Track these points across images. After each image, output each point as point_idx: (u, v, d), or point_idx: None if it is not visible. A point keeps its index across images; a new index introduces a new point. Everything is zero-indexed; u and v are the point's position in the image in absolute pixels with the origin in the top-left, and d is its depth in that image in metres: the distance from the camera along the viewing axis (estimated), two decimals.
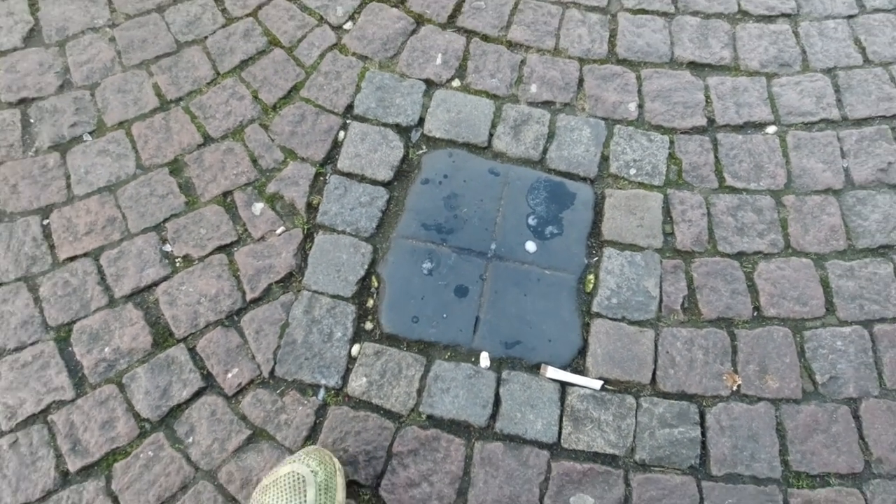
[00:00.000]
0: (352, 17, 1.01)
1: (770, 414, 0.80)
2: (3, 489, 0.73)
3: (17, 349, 0.80)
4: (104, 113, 0.93)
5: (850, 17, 1.03)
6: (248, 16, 1.00)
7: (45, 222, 0.86)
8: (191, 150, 0.91)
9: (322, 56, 0.98)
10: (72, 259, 0.84)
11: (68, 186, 0.88)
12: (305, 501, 0.64)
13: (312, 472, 0.66)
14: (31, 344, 0.80)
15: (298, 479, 0.65)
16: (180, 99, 0.94)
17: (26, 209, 0.87)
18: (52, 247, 0.85)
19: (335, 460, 0.70)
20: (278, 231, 0.87)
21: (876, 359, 0.83)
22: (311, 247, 0.86)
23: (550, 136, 0.93)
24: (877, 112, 0.95)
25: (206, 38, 0.99)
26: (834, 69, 0.98)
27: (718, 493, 0.76)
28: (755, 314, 0.85)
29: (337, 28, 1.00)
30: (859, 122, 0.95)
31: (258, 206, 0.88)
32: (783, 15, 1.03)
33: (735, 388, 0.81)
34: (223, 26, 0.99)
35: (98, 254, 0.85)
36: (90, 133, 0.92)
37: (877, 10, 1.03)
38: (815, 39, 1.00)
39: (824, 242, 0.88)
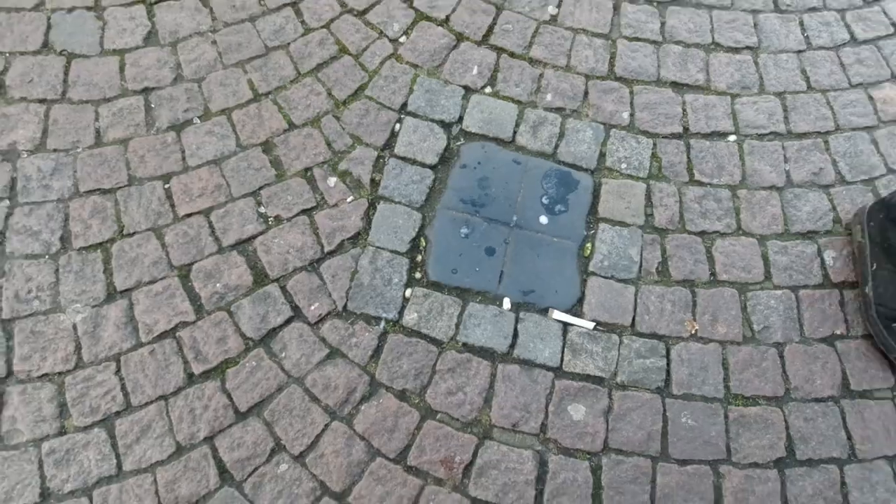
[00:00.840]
0: (406, 33, 1.26)
1: (718, 352, 1.07)
2: (145, 385, 0.98)
3: (151, 282, 1.04)
4: (209, 101, 1.17)
5: (800, 51, 1.29)
6: (322, 27, 1.24)
7: (167, 186, 1.10)
8: (279, 134, 1.15)
9: (382, 63, 1.22)
10: (189, 216, 1.08)
11: (184, 159, 1.12)
12: None
13: None
14: (162, 279, 1.04)
15: None
16: (269, 93, 1.18)
17: (152, 175, 1.10)
18: (172, 205, 1.09)
19: None
20: (348, 200, 1.12)
21: (798, 315, 1.10)
22: (374, 213, 1.11)
23: (561, 135, 1.19)
24: (814, 128, 1.22)
25: (289, 44, 1.23)
26: (783, 93, 1.25)
27: (677, 407, 1.03)
28: (711, 278, 1.11)
29: (394, 41, 1.25)
30: (800, 136, 1.22)
31: (332, 180, 1.13)
32: (747, 47, 1.29)
33: (693, 332, 1.08)
34: (302, 35, 1.23)
35: (209, 212, 1.09)
36: (199, 117, 1.15)
37: (820, 48, 1.29)
38: (771, 68, 1.27)
39: (767, 226, 1.15)
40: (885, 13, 1.34)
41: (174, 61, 1.19)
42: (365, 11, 1.27)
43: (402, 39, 1.25)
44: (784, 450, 1.01)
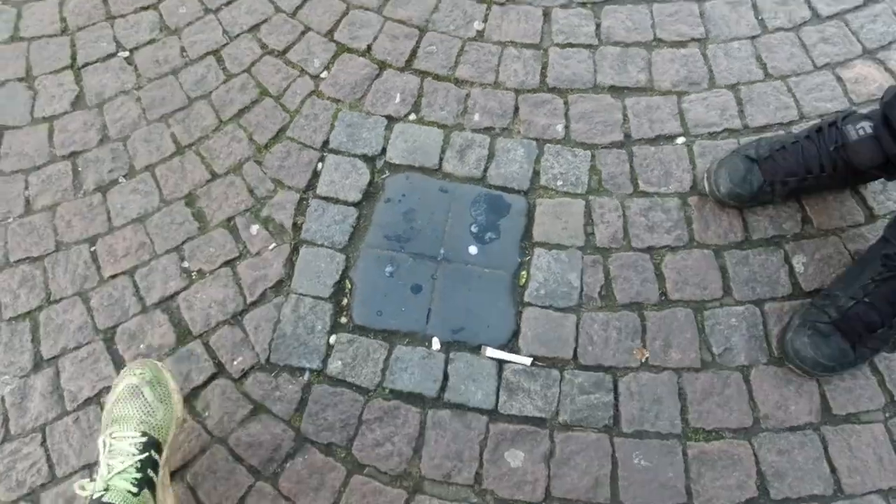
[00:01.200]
0: (327, 67, 1.22)
1: (673, 381, 0.96)
2: (69, 455, 0.97)
3: (76, 348, 1.03)
4: (134, 159, 1.17)
5: (754, 37, 1.17)
6: (243, 72, 1.23)
7: (93, 249, 1.10)
8: (201, 185, 1.14)
9: (303, 101, 1.19)
10: (113, 277, 1.08)
11: (109, 220, 1.12)
12: (146, 400, 0.82)
13: (140, 375, 0.84)
14: (87, 344, 1.03)
15: (134, 388, 0.82)
16: (192, 144, 1.17)
17: (78, 239, 1.11)
18: (98, 268, 1.09)
19: (152, 361, 0.88)
20: (271, 247, 1.08)
21: (766, 332, 0.98)
22: (297, 258, 1.07)
23: (490, 156, 1.12)
24: (774, 120, 1.10)
25: (210, 92, 1.21)
26: (737, 85, 1.13)
27: (628, 446, 0.93)
28: (662, 298, 1.01)
29: (315, 77, 1.21)
30: (759, 130, 1.10)
31: (255, 228, 1.10)
32: (693, 39, 1.18)
33: (644, 360, 0.98)
34: (224, 82, 1.22)
35: (133, 271, 1.08)
36: (124, 176, 1.15)
37: (778, 30, 1.17)
38: (721, 59, 1.16)
39: (723, 236, 1.03)
40: None
41: (100, 123, 1.20)
42: (285, 51, 1.24)
43: (324, 75, 1.22)
44: (755, 489, 0.90)
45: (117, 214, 1.12)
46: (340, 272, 1.06)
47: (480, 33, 1.23)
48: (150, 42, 1.27)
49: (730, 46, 1.17)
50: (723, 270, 1.01)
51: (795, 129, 1.07)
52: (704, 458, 0.91)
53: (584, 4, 1.23)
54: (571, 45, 1.20)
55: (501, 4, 1.25)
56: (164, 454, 0.83)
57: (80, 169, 1.16)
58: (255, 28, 1.27)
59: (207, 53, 1.25)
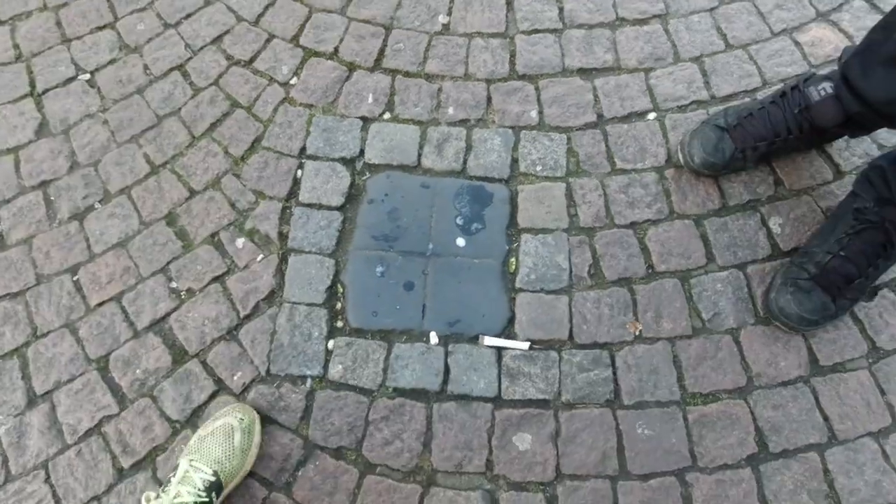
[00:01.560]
0: (296, 73, 1.21)
1: (667, 350, 0.99)
2: (76, 488, 0.95)
3: (70, 380, 1.01)
4: (108, 183, 1.14)
5: (712, 9, 1.20)
6: (211, 85, 1.21)
7: (75, 278, 1.08)
8: (181, 203, 1.12)
9: (275, 110, 1.18)
10: (100, 304, 1.06)
11: (89, 247, 1.10)
12: (233, 444, 0.89)
13: (240, 420, 0.91)
14: (80, 375, 1.02)
15: (230, 429, 0.90)
16: (166, 163, 1.15)
17: (59, 270, 1.09)
18: (83, 297, 1.07)
19: (254, 411, 0.95)
20: (259, 259, 1.08)
21: (750, 294, 1.01)
22: (286, 267, 1.07)
23: (468, 148, 1.13)
24: (739, 88, 1.13)
25: (180, 109, 1.19)
26: (700, 57, 1.16)
27: (630, 418, 0.96)
28: (649, 271, 1.03)
29: (284, 84, 1.20)
30: (725, 99, 1.13)
31: (240, 241, 1.09)
32: (654, 16, 1.20)
33: (637, 333, 1.00)
34: (192, 97, 1.20)
35: (120, 297, 1.06)
36: (99, 201, 1.13)
37: (735, 0, 1.20)
38: (683, 33, 1.18)
39: (701, 204, 1.06)
40: None
41: (68, 149, 1.17)
42: (252, 60, 1.23)
43: (294, 81, 1.21)
44: (755, 445, 0.93)
45: (97, 241, 1.10)
46: (331, 277, 1.06)
47: (446, 27, 1.23)
48: (111, 62, 1.24)
49: (690, 20, 1.19)
50: (704, 238, 1.04)
51: (760, 96, 1.11)
52: (704, 421, 0.95)
53: None
54: (537, 31, 1.21)
55: None
56: (219, 501, 0.88)
57: (52, 198, 1.14)
58: (218, 39, 1.25)
59: (172, 69, 1.23)
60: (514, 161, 1.11)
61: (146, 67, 1.23)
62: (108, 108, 1.20)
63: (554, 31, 1.21)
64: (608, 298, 1.02)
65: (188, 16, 1.28)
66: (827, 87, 0.94)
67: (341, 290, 1.05)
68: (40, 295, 1.07)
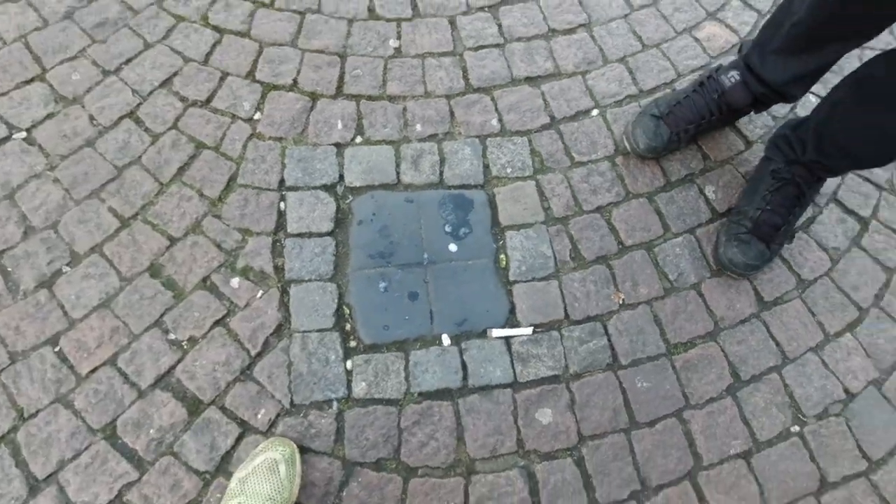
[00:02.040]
0: (258, 108, 1.22)
1: (648, 312, 1.13)
2: None
3: (75, 456, 0.95)
4: (73, 244, 1.08)
5: (626, 15, 1.39)
6: (170, 129, 1.18)
7: (57, 349, 1.01)
8: (162, 253, 1.09)
9: (245, 146, 1.18)
10: (93, 371, 1.00)
11: (66, 314, 1.03)
12: (280, 477, 0.90)
13: (282, 452, 0.92)
14: (86, 449, 0.95)
15: (273, 463, 0.90)
16: (136, 214, 1.11)
17: (35, 344, 1.01)
18: (71, 367, 1.00)
19: (291, 441, 0.96)
20: (259, 295, 1.07)
21: (702, 252, 1.19)
22: (289, 299, 1.08)
23: (442, 160, 1.21)
24: (660, 81, 1.32)
25: (140, 157, 1.15)
26: (625, 57, 1.34)
27: (629, 375, 1.09)
28: (620, 247, 1.18)
29: (249, 120, 1.21)
30: (651, 91, 1.31)
31: (235, 281, 1.08)
32: (580, 25, 1.37)
33: (621, 302, 1.14)
34: (152, 143, 1.16)
35: (114, 359, 1.01)
36: (67, 264, 1.06)
37: (642, 7, 1.40)
38: (607, 38, 1.36)
39: (650, 184, 1.23)
40: None
41: (17, 214, 1.08)
42: (209, 100, 1.21)
43: (257, 116, 1.21)
44: (730, 376, 1.10)
45: (73, 306, 1.04)
46: (336, 300, 1.08)
47: (398, 50, 1.30)
48: (49, 116, 1.17)
49: (610, 26, 1.37)
50: (658, 212, 1.21)
51: (678, 86, 1.30)
52: (688, 365, 1.10)
53: (482, 9, 1.36)
54: (482, 47, 1.32)
55: (409, 20, 1.33)
56: None
57: (10, 269, 1.05)
58: (167, 82, 1.22)
59: (122, 117, 1.18)
60: (486, 167, 1.21)
61: (92, 118, 1.17)
62: (55, 165, 1.13)
63: (497, 45, 1.33)
64: (591, 276, 1.15)
65: (128, 60, 1.23)
66: (735, 75, 1.14)
67: (348, 311, 1.08)
68: (19, 374, 0.99)
